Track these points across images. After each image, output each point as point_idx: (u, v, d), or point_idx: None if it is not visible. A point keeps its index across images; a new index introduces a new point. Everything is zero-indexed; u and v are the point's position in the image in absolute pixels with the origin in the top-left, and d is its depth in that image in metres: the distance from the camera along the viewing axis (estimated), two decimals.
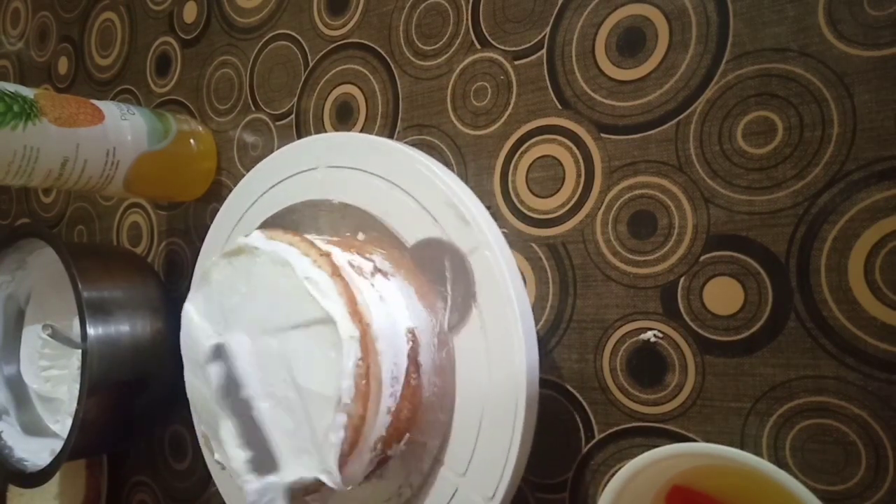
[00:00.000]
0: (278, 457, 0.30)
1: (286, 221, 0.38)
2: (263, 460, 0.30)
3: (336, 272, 0.30)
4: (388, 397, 0.30)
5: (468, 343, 0.32)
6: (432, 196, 0.33)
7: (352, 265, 0.32)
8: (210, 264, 0.34)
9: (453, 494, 0.32)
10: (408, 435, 0.32)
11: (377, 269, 0.33)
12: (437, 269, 0.32)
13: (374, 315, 0.30)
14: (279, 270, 0.31)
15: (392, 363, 0.30)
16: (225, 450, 0.31)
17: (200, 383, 0.33)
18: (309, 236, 0.33)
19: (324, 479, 0.29)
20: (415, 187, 0.34)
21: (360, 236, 0.35)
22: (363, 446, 0.30)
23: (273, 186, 0.39)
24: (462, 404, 0.32)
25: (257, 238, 0.33)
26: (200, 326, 0.33)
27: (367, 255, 0.34)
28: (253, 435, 0.31)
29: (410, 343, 0.32)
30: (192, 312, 0.34)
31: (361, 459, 0.30)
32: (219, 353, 0.32)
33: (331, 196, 0.36)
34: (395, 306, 0.32)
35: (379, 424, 0.30)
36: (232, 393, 0.31)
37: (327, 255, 0.31)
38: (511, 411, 0.30)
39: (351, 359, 0.29)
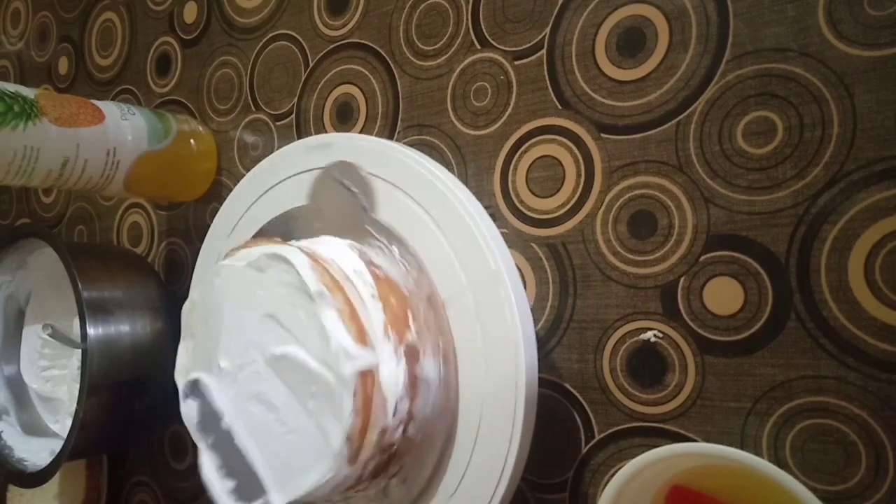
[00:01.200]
0: (265, 482, 0.30)
1: (288, 221, 0.38)
2: (250, 487, 0.30)
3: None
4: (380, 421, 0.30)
5: (468, 343, 0.32)
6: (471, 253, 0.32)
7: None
8: (239, 265, 0.33)
9: (453, 494, 0.32)
10: (392, 468, 0.33)
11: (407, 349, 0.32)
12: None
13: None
14: (309, 309, 0.30)
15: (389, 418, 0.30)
16: (210, 481, 0.32)
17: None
18: (358, 281, 0.32)
19: None
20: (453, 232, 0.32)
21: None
22: (363, 453, 0.30)
23: (276, 185, 0.39)
24: (461, 404, 0.32)
25: (298, 257, 0.31)
26: (179, 362, 0.34)
27: (407, 336, 0.32)
28: (236, 463, 0.31)
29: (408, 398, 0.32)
30: (181, 348, 0.34)
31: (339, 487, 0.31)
32: (195, 388, 0.32)
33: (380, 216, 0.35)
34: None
35: (357, 474, 0.31)
36: (211, 425, 0.32)
37: (363, 332, 0.30)
38: (510, 411, 0.30)
39: (352, 380, 0.29)
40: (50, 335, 0.49)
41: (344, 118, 0.43)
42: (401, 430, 0.31)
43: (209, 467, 0.31)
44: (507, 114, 0.37)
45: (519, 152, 0.36)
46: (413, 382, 0.31)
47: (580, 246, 0.34)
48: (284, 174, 0.38)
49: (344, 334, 0.29)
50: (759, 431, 0.29)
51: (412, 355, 0.31)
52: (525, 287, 0.36)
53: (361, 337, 0.29)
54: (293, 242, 0.34)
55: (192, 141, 0.48)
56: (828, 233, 0.28)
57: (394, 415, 0.30)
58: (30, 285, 0.53)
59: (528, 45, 0.36)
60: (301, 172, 0.38)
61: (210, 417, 0.32)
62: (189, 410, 0.32)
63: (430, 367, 0.32)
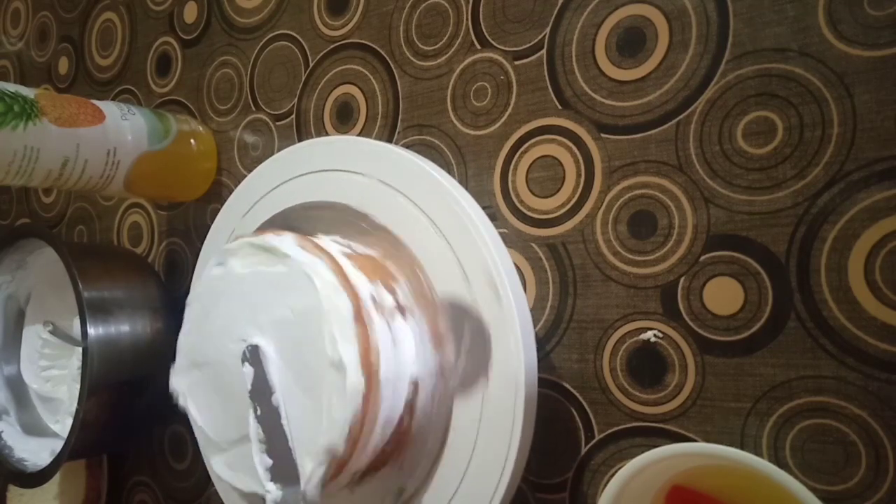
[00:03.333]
0: (300, 468, 0.30)
1: (291, 221, 0.38)
2: (286, 470, 0.30)
3: (359, 313, 0.30)
4: (377, 438, 0.31)
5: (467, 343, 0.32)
6: (471, 256, 0.32)
7: (374, 299, 0.31)
8: (233, 248, 0.33)
9: (454, 495, 0.32)
10: (385, 467, 0.33)
11: (397, 306, 0.32)
12: (457, 327, 0.32)
13: (383, 362, 0.30)
14: (305, 288, 0.30)
15: (389, 410, 0.31)
16: (251, 455, 0.31)
17: (218, 384, 0.33)
18: (336, 248, 0.33)
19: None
20: (456, 238, 0.32)
21: (386, 261, 0.35)
22: (342, 478, 0.31)
23: (280, 185, 0.39)
24: (461, 404, 0.32)
25: (289, 244, 0.32)
26: (225, 325, 0.32)
27: (391, 286, 0.33)
28: (278, 443, 0.30)
29: (411, 392, 0.32)
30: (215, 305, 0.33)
31: (338, 483, 0.31)
32: (255, 354, 0.31)
33: (370, 212, 0.35)
34: (405, 352, 0.32)
35: (361, 461, 0.31)
36: (261, 397, 0.31)
37: (355, 291, 0.30)
38: (510, 411, 0.30)
39: (350, 412, 0.29)
40: (50, 331, 0.49)
41: (344, 118, 0.43)
42: (402, 420, 0.31)
43: (254, 438, 0.31)
44: (507, 114, 0.37)
45: (519, 152, 0.36)
46: (409, 411, 0.32)
47: (580, 246, 0.34)
48: (285, 176, 0.38)
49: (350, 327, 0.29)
50: (759, 431, 0.29)
51: (415, 392, 0.32)
52: (525, 287, 0.36)
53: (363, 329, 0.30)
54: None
55: (192, 141, 0.48)
56: (828, 233, 0.28)
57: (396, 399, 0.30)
58: (30, 285, 0.53)
59: (528, 45, 0.36)
60: (304, 174, 0.38)
61: (262, 389, 0.31)
62: (245, 375, 0.31)
63: (425, 402, 0.32)
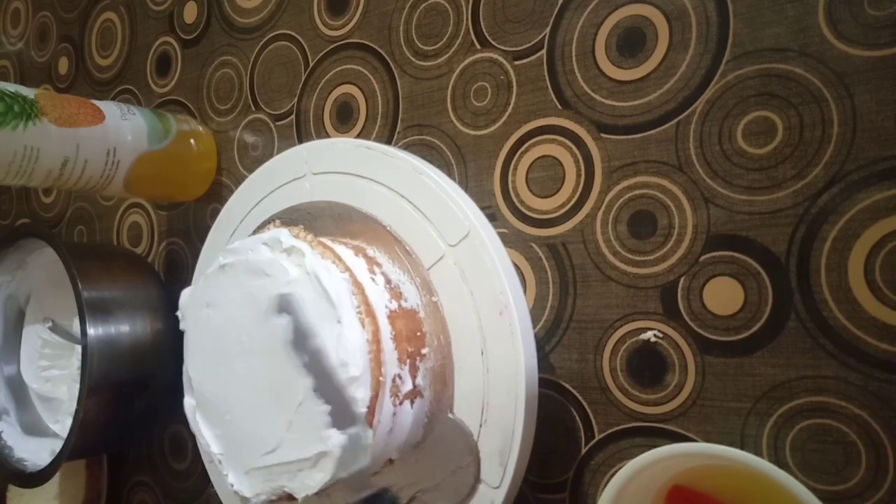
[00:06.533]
0: (353, 407, 0.29)
1: (292, 221, 0.38)
2: (344, 413, 0.29)
3: (373, 402, 0.29)
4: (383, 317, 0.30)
5: (467, 344, 0.32)
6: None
7: (394, 382, 0.31)
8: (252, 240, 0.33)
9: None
10: (424, 350, 0.32)
11: (412, 390, 0.32)
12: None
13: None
14: (315, 286, 0.30)
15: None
16: (303, 405, 0.30)
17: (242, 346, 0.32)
18: (382, 300, 0.32)
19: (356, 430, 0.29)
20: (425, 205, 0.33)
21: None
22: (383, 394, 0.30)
23: (281, 186, 0.39)
24: (462, 405, 0.32)
25: (304, 246, 0.31)
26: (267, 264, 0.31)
27: (416, 363, 0.32)
28: (329, 386, 0.29)
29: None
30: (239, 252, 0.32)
31: (384, 408, 0.30)
32: (286, 303, 0.30)
33: (421, 257, 0.34)
34: (395, 438, 0.31)
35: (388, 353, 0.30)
36: (303, 345, 0.30)
37: (379, 375, 0.30)
38: (511, 412, 0.30)
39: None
40: (50, 328, 0.49)
41: (344, 118, 0.43)
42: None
43: (305, 389, 0.29)
44: (507, 114, 0.37)
45: (519, 152, 0.36)
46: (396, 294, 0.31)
47: (580, 246, 0.34)
48: (286, 178, 0.38)
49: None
50: (759, 431, 0.29)
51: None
52: (525, 287, 0.36)
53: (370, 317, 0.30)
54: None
55: (192, 141, 0.48)
56: (828, 233, 0.28)
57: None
58: (30, 285, 0.53)
59: (528, 45, 0.36)
60: (302, 177, 0.38)
61: (302, 335, 0.30)
62: (280, 329, 0.30)
63: (431, 361, 0.32)
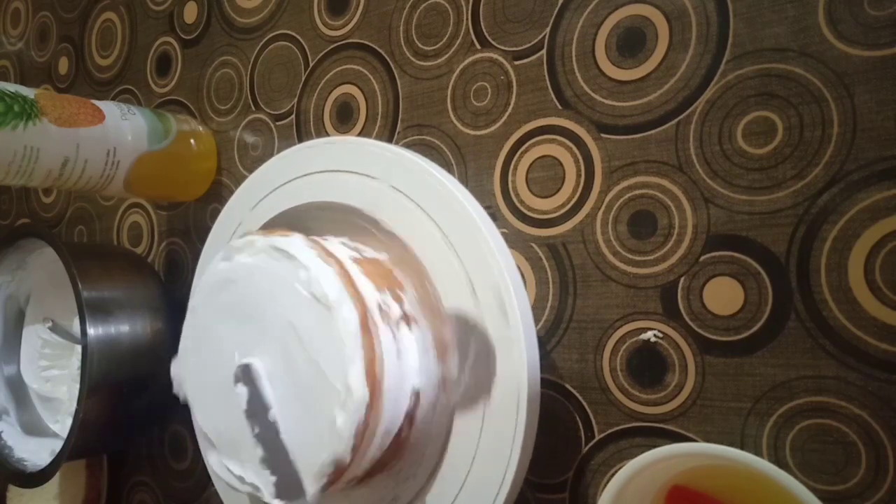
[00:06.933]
0: (303, 480, 0.30)
1: (293, 221, 0.38)
2: (290, 483, 0.30)
3: (364, 322, 0.30)
4: (375, 449, 0.30)
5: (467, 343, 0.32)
6: (482, 274, 0.32)
7: (381, 308, 0.31)
8: (239, 245, 0.33)
9: (456, 496, 0.32)
10: (380, 474, 0.33)
11: (403, 316, 0.32)
12: (462, 340, 0.32)
13: (387, 374, 0.30)
14: (311, 294, 0.30)
15: (389, 421, 0.30)
16: (251, 474, 0.31)
17: (219, 406, 0.33)
18: (345, 253, 0.33)
19: None
20: (468, 255, 0.32)
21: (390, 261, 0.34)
22: (337, 485, 0.31)
23: (285, 183, 0.39)
24: (463, 412, 0.32)
25: (298, 246, 0.31)
26: (222, 343, 0.32)
27: (398, 294, 0.33)
28: (279, 458, 0.30)
29: (412, 403, 0.32)
30: (212, 320, 0.33)
31: (332, 491, 0.31)
32: (247, 373, 0.31)
33: (380, 217, 0.35)
34: (408, 362, 0.32)
35: (360, 469, 0.31)
36: (258, 415, 0.31)
37: (362, 299, 0.30)
38: (512, 412, 0.30)
39: (353, 424, 0.29)
40: (50, 328, 0.49)
41: (344, 118, 0.43)
42: (402, 430, 0.31)
43: (254, 458, 0.31)
44: (507, 114, 0.37)
45: (519, 152, 0.36)
46: (409, 421, 0.31)
47: (580, 246, 0.34)
48: (287, 177, 0.38)
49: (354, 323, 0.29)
50: (759, 431, 0.29)
51: (416, 402, 0.32)
52: (525, 287, 0.36)
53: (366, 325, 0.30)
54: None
55: (192, 141, 0.48)
56: (828, 233, 0.28)
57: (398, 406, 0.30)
58: (30, 285, 0.53)
59: (528, 45, 0.36)
60: (305, 175, 0.38)
61: (257, 407, 0.31)
62: (238, 397, 0.31)
63: (426, 413, 0.32)
